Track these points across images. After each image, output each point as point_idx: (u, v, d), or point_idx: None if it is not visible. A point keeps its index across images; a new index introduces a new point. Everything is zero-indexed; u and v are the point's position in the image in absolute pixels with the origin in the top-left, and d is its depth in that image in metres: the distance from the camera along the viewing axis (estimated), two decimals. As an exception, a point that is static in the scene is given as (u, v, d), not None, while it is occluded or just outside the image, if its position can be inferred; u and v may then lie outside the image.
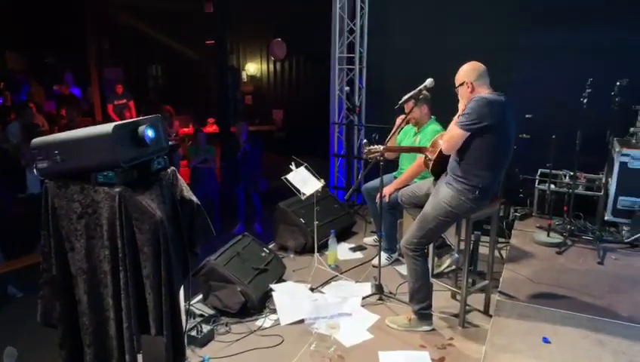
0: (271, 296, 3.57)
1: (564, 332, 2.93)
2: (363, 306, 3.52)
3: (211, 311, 3.35)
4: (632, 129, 4.60)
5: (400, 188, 3.77)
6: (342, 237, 4.77)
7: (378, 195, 3.79)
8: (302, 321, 3.32)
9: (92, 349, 2.11)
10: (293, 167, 4.03)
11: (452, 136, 2.87)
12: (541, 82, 4.95)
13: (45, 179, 2.08)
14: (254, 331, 3.22)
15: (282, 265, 3.97)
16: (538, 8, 5.05)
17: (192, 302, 3.12)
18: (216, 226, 2.70)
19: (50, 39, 10.76)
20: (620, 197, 4.36)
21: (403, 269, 3.92)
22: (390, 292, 3.70)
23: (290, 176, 3.95)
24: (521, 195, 5.05)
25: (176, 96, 11.15)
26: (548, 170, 4.56)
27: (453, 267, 3.71)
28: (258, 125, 10.21)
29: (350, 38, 6.06)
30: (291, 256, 4.39)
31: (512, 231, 4.56)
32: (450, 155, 3.00)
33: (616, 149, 4.37)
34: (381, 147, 3.35)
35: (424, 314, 3.18)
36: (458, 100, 3.03)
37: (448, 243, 3.96)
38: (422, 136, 4.10)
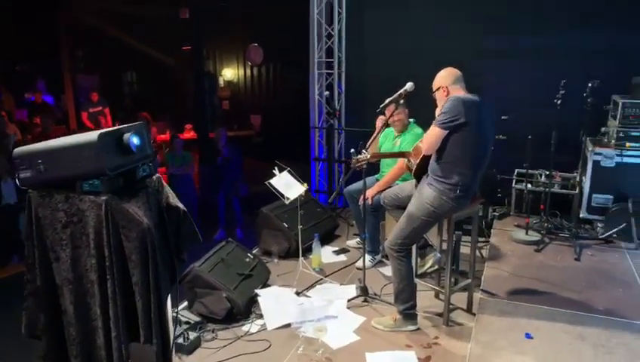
0: (257, 301, 3.57)
1: (545, 328, 3.01)
2: (349, 308, 3.55)
3: (197, 318, 3.32)
4: (603, 128, 4.76)
5: (382, 191, 3.82)
6: (325, 240, 4.79)
7: (361, 198, 3.83)
8: (288, 325, 3.34)
9: (79, 360, 2.08)
10: (276, 171, 4.04)
11: (431, 135, 2.95)
12: (516, 84, 5.09)
13: (28, 189, 2.05)
14: (241, 337, 3.22)
15: (267, 270, 3.97)
16: (514, 11, 5.17)
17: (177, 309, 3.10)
18: (195, 233, 2.68)
19: (21, 46, 10.51)
20: (594, 195, 4.51)
21: (386, 271, 3.97)
22: (375, 294, 3.73)
23: (273, 181, 3.96)
24: (499, 195, 5.17)
25: (152, 103, 11.01)
26: (524, 170, 4.69)
27: (436, 267, 3.77)
28: (236, 130, 10.19)
29: (329, 43, 6.10)
30: (275, 261, 4.39)
31: (492, 231, 4.66)
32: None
33: (589, 148, 4.51)
34: (368, 155, 3.39)
35: (409, 314, 3.23)
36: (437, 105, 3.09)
37: (430, 243, 4.02)
38: (402, 139, 4.16)
